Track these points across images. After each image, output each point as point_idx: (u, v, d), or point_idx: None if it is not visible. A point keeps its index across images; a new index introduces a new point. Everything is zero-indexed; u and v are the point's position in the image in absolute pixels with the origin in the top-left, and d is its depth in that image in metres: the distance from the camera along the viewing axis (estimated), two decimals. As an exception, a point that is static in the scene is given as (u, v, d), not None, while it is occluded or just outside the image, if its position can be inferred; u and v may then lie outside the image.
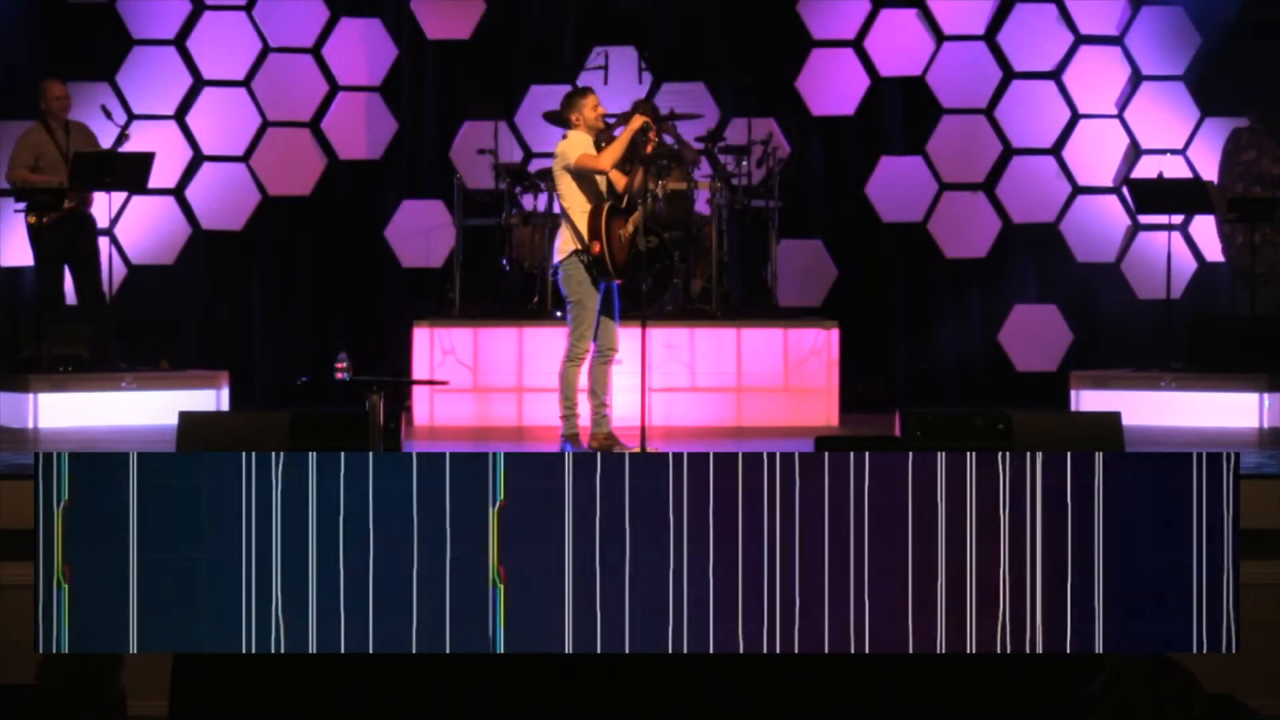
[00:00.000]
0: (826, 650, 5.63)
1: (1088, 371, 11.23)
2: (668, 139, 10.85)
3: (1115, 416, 7.39)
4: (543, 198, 11.01)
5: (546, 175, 10.85)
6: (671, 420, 10.20)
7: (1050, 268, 11.96)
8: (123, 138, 10.73)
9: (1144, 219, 11.75)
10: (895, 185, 11.93)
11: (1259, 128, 11.41)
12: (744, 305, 11.10)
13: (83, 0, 11.73)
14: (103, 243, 10.86)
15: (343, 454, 5.68)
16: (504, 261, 11.07)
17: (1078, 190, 11.92)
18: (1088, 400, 10.76)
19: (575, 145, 8.70)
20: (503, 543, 5.57)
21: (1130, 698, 5.06)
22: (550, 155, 11.65)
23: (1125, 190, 11.69)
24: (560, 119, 9.05)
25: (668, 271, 10.67)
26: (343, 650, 5.61)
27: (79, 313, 10.82)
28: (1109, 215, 11.93)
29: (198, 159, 11.81)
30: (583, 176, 8.66)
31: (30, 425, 10.18)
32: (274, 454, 5.69)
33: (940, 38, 11.90)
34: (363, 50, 11.93)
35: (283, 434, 7.31)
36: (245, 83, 11.85)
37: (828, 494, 5.57)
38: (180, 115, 11.80)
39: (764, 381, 10.51)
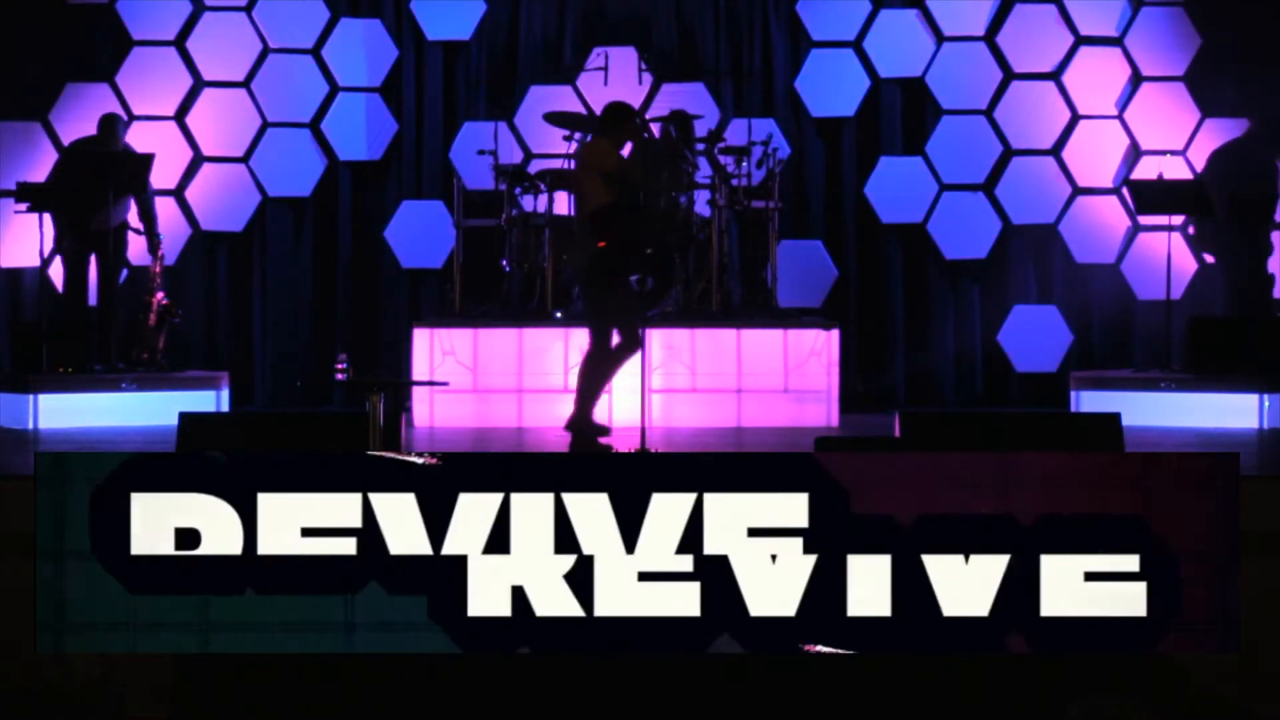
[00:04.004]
0: (825, 650, 5.63)
1: (1087, 372, 11.25)
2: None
3: (1115, 417, 7.37)
4: (542, 199, 11.01)
5: (550, 175, 10.87)
6: (672, 421, 10.20)
7: (1050, 268, 11.96)
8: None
9: (1144, 220, 11.74)
10: (895, 186, 11.93)
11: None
12: (744, 306, 11.10)
13: (83, 0, 11.73)
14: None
15: (342, 455, 5.68)
16: (504, 262, 11.07)
17: (1077, 191, 11.92)
18: (1088, 401, 10.77)
19: (609, 152, 8.90)
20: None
21: (1128, 700, 5.06)
22: (550, 156, 11.70)
23: (1125, 191, 11.69)
24: (600, 125, 9.15)
25: (669, 273, 10.66)
26: (348, 650, 5.61)
27: (94, 312, 10.82)
28: (1109, 216, 11.93)
29: (198, 160, 11.81)
30: (612, 179, 8.83)
31: (30, 426, 10.19)
32: (274, 454, 5.69)
33: (940, 38, 11.90)
34: (363, 50, 11.94)
35: (283, 434, 7.29)
36: (245, 83, 11.85)
37: (829, 494, 5.57)
38: (180, 116, 11.79)
39: (764, 382, 10.51)
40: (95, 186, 10.59)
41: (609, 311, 8.84)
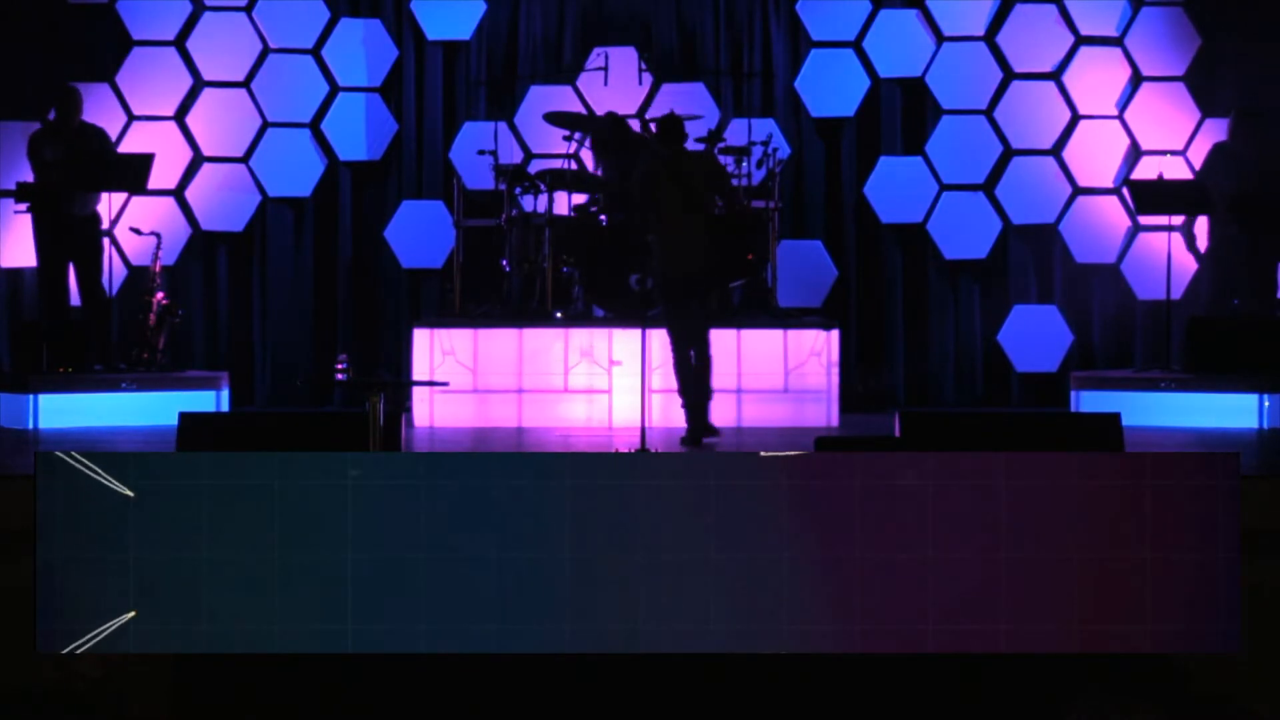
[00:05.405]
0: (825, 650, 5.64)
1: (1087, 372, 11.25)
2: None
3: (1115, 417, 7.38)
4: (542, 199, 11.00)
5: (566, 175, 10.95)
6: (672, 421, 10.19)
7: (1050, 268, 11.96)
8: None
9: (1144, 220, 11.74)
10: (895, 186, 11.93)
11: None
12: (744, 306, 11.10)
13: (83, 0, 11.73)
14: (104, 243, 10.90)
15: (342, 455, 5.69)
16: (504, 262, 11.07)
17: (1078, 191, 11.91)
18: (1088, 401, 10.77)
19: None
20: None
21: (1128, 699, 5.06)
22: (550, 156, 11.71)
23: (1125, 191, 11.68)
24: (682, 139, 9.64)
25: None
26: (348, 650, 5.61)
27: (81, 312, 10.83)
28: (1109, 216, 11.92)
29: (198, 160, 11.81)
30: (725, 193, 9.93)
31: (30, 426, 10.19)
32: (274, 454, 5.69)
33: (940, 38, 11.89)
34: (363, 50, 11.93)
35: (282, 434, 7.30)
36: (245, 83, 11.84)
37: (828, 494, 5.57)
38: (180, 116, 11.79)
39: (764, 382, 10.51)
40: (89, 183, 10.61)
41: (712, 317, 9.66)
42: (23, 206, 10.66)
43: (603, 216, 10.97)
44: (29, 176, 10.84)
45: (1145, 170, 11.63)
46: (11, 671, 6.51)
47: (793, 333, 10.57)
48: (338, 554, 5.57)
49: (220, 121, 11.83)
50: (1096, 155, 11.91)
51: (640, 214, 9.82)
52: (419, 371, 10.48)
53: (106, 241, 10.94)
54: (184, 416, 7.23)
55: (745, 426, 10.43)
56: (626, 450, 8.64)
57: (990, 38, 11.90)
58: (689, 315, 9.49)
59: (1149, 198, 11.12)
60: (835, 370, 10.56)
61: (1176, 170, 11.56)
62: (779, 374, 10.52)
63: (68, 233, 10.62)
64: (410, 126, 11.97)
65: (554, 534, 5.57)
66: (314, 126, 11.90)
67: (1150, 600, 5.54)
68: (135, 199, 11.50)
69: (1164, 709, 5.79)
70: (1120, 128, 11.90)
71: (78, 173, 10.59)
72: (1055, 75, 11.89)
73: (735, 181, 10.97)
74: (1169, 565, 5.54)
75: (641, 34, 12.00)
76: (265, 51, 11.86)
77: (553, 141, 11.63)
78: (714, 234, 9.58)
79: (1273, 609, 6.66)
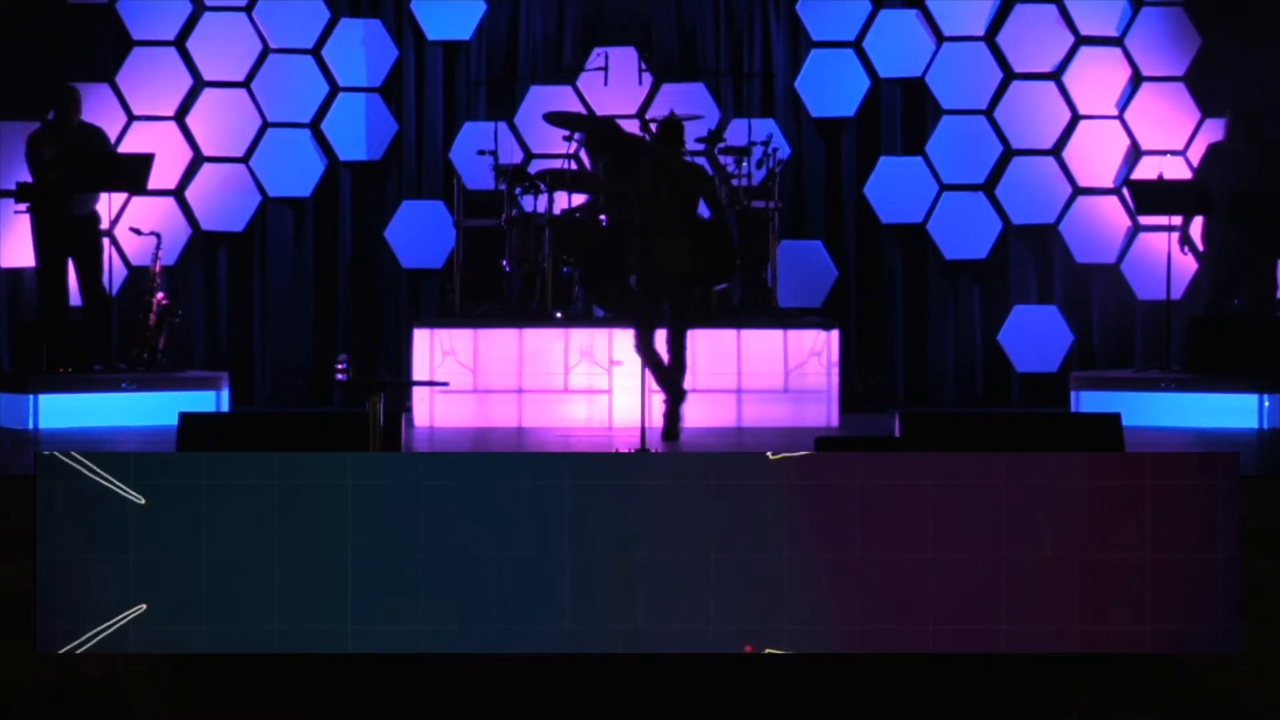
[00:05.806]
0: (825, 650, 5.64)
1: (1088, 372, 11.25)
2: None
3: (1115, 417, 7.38)
4: (542, 199, 11.01)
5: (565, 175, 10.97)
6: (671, 421, 10.19)
7: (1050, 268, 11.96)
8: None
9: (1144, 220, 11.74)
10: (895, 186, 11.93)
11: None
12: (744, 306, 11.10)
13: (83, 0, 11.73)
14: (103, 243, 10.90)
15: (342, 455, 5.69)
16: (504, 262, 11.07)
17: (1078, 191, 11.91)
18: (1088, 401, 10.77)
19: None
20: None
21: (1126, 700, 5.06)
22: (550, 156, 11.72)
23: (1125, 191, 11.68)
24: (681, 143, 9.73)
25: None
26: (348, 651, 5.61)
27: (81, 311, 10.83)
28: (1109, 216, 11.92)
29: (198, 160, 11.80)
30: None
31: (30, 426, 10.19)
32: (274, 454, 5.69)
33: (940, 38, 11.89)
34: (363, 50, 11.93)
35: (283, 434, 7.30)
36: (245, 83, 11.84)
37: (828, 494, 5.57)
38: (180, 116, 11.79)
39: (764, 382, 10.51)
40: (88, 183, 10.62)
41: (691, 319, 9.80)
42: (22, 206, 10.67)
43: (602, 216, 10.98)
44: (29, 176, 10.85)
45: (1145, 170, 11.63)
46: (11, 671, 6.51)
47: (793, 333, 10.57)
48: (338, 554, 5.57)
49: (220, 121, 11.83)
50: (1096, 155, 11.91)
51: (632, 211, 9.88)
52: (419, 371, 10.48)
53: (106, 241, 10.95)
54: (184, 416, 7.23)
55: (745, 426, 10.43)
56: (626, 450, 8.64)
57: (990, 38, 11.90)
58: (659, 313, 9.58)
59: (1149, 198, 11.12)
60: (835, 370, 10.56)
61: (1176, 170, 11.56)
62: (779, 374, 10.52)
63: (67, 232, 10.62)
64: (410, 126, 11.97)
65: (554, 534, 5.57)
66: (314, 126, 11.90)
67: (1150, 600, 5.54)
68: (135, 199, 11.50)
69: (1164, 709, 5.79)
70: (1120, 128, 11.90)
71: (77, 173, 10.58)
72: (1055, 75, 11.89)
73: (735, 181, 10.99)
74: (1169, 565, 5.54)
75: (641, 34, 12.00)
76: (265, 51, 11.86)
77: (553, 141, 11.63)
78: (698, 239, 9.66)
79: (1273, 609, 6.66)
